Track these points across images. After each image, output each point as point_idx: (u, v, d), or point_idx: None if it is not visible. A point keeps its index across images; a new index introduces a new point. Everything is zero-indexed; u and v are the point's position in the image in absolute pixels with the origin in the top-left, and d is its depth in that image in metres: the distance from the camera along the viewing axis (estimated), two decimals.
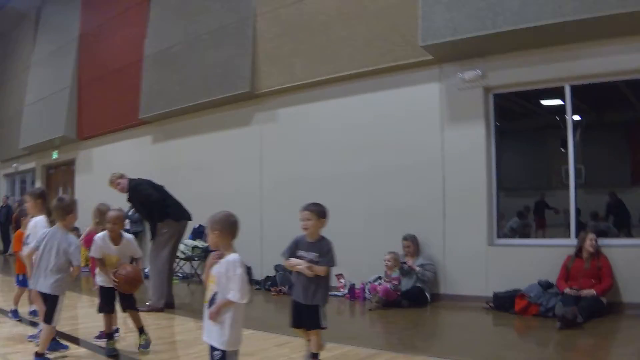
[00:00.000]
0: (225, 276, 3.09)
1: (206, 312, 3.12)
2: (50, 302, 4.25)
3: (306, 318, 4.10)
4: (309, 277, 4.05)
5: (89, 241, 5.38)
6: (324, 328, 4.09)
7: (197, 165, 11.59)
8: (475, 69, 7.79)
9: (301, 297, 4.11)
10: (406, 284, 7.74)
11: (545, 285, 6.77)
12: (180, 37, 11.90)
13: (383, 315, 7.15)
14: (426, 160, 8.20)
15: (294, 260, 4.14)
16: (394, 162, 8.54)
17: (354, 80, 9.10)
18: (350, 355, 4.79)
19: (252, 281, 10.00)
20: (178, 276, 11.17)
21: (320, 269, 4.05)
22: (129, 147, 13.70)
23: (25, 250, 4.90)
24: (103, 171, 13.01)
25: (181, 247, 10.60)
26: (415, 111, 8.43)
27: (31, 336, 5.09)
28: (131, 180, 7.56)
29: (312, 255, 4.08)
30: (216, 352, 3.05)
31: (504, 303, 6.91)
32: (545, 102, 8.47)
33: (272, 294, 9.18)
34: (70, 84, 15.54)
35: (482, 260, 7.61)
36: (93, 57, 15.12)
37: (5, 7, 20.30)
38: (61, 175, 17.29)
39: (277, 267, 9.74)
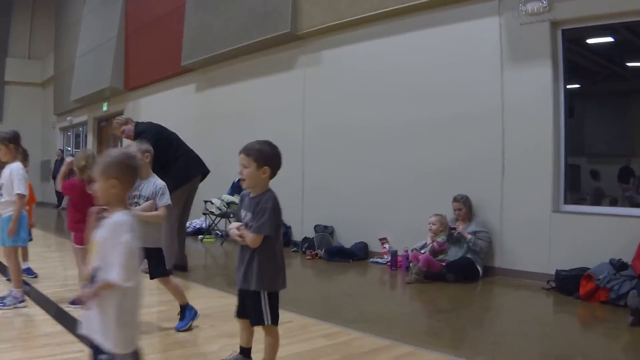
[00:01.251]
0: (108, 244, 2.16)
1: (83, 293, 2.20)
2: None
3: (249, 308, 3.03)
4: (245, 249, 3.00)
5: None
6: (269, 325, 2.97)
7: (239, 114, 10.87)
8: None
9: (239, 278, 3.04)
10: (454, 253, 6.63)
11: (618, 266, 5.33)
12: None
13: (421, 290, 6.07)
14: (483, 110, 6.94)
15: (231, 225, 3.10)
16: (445, 111, 7.34)
17: (401, 16, 7.90)
18: (353, 345, 3.81)
19: (290, 242, 9.32)
20: (217, 234, 10.49)
21: (248, 237, 2.94)
22: (174, 97, 13.16)
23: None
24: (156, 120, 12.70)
25: (217, 202, 9.92)
26: (470, 51, 7.14)
27: None
28: (137, 126, 6.76)
29: (248, 216, 3.01)
30: (102, 356, 2.14)
31: (567, 284, 5.64)
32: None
33: (307, 257, 8.29)
34: (117, 34, 15.06)
35: (545, 229, 6.31)
36: (138, 5, 14.58)
37: None
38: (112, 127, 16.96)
39: (317, 227, 8.93)
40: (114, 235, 2.15)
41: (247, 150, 2.99)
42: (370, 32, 8.43)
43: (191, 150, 7.06)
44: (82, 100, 17.03)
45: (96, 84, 15.66)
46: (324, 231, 8.83)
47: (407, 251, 7.19)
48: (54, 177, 17.83)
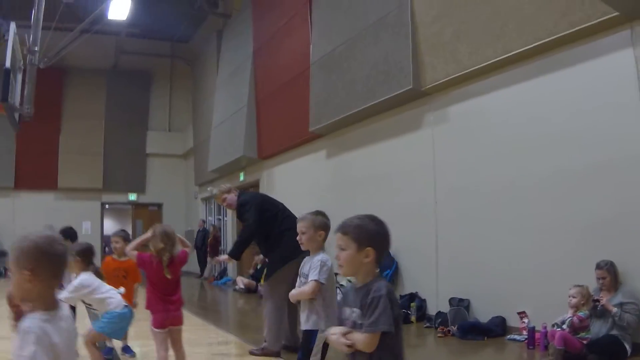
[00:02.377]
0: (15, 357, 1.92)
1: None
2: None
3: None
4: (359, 357, 2.52)
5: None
6: None
7: (369, 178, 10.95)
8: None
9: None
10: (598, 330, 6.04)
11: None
12: (342, 36, 11.37)
13: None
14: (623, 157, 6.42)
15: (332, 330, 2.62)
16: (581, 160, 6.89)
17: (526, 60, 7.66)
18: None
19: (425, 317, 9.07)
20: None
21: (360, 340, 2.46)
22: (306, 164, 13.65)
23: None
24: (285, 191, 13.26)
25: None
26: (602, 90, 6.71)
27: None
28: (240, 195, 6.94)
29: (355, 313, 2.54)
30: None
31: None
32: None
33: (438, 335, 7.98)
34: (247, 103, 16.02)
35: None
36: (266, 73, 15.46)
37: (192, 38, 22.06)
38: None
39: (451, 301, 8.63)
40: (20, 346, 1.89)
41: (344, 228, 2.60)
42: (497, 81, 8.23)
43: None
44: (220, 170, 18.07)
45: (231, 154, 16.60)
46: (459, 304, 8.48)
47: (545, 327, 6.65)
48: (197, 248, 18.94)
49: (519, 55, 7.64)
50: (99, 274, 5.36)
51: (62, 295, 4.68)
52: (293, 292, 4.34)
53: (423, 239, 9.35)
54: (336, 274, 4.68)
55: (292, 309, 6.95)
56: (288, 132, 13.97)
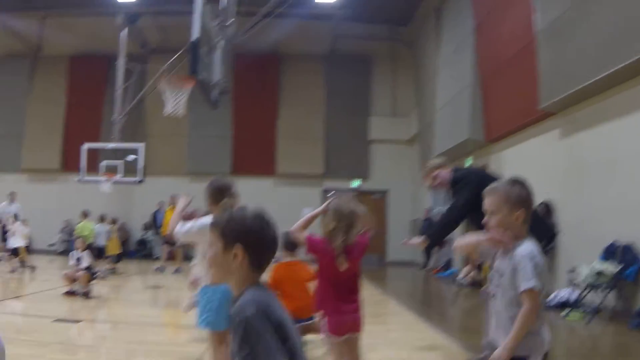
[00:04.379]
0: None
1: None
2: None
3: None
4: None
5: None
6: None
7: (610, 161, 9.49)
8: None
9: None
10: None
11: None
12: None
13: None
14: None
15: None
16: None
17: None
18: None
19: None
20: (586, 310, 9.11)
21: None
22: (536, 146, 12.39)
23: None
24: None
25: (585, 270, 8.68)
26: None
27: None
28: (455, 172, 6.07)
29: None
30: None
31: None
32: None
33: None
34: (471, 82, 15.05)
35: None
36: (489, 48, 14.36)
37: (411, 20, 21.49)
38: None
39: None
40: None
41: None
42: None
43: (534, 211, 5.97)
44: (445, 155, 17.18)
45: (456, 138, 15.83)
46: None
47: None
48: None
49: None
50: None
51: None
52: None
53: None
54: None
55: None
56: (516, 112, 12.80)
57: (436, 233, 6.19)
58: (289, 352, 1.94)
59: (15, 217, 15.72)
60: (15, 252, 14.50)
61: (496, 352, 2.77)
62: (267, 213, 2.27)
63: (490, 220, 2.86)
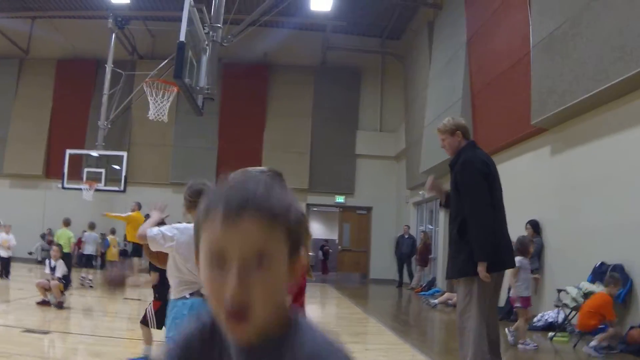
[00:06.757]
0: None
1: None
2: None
3: None
4: None
5: None
6: None
7: (604, 179, 9.16)
8: None
9: None
10: None
11: None
12: (566, 11, 9.79)
13: None
14: None
15: None
16: None
17: None
18: None
19: None
20: (573, 331, 8.80)
21: None
22: (527, 162, 12.13)
23: None
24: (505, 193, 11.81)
25: (572, 292, 8.42)
26: None
27: None
28: (465, 150, 5.46)
29: None
30: None
31: None
32: None
33: None
34: (462, 96, 14.81)
35: None
36: (481, 61, 14.20)
37: (402, 33, 21.36)
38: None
39: None
40: None
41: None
42: None
43: (506, 230, 5.40)
44: (432, 172, 16.91)
45: (444, 154, 15.35)
46: None
47: None
48: (400, 254, 18.77)
49: None
50: None
51: None
52: None
53: None
54: None
55: (493, 324, 5.24)
56: (507, 127, 12.55)
57: (484, 246, 5.05)
58: None
59: None
60: None
61: None
62: None
63: None
